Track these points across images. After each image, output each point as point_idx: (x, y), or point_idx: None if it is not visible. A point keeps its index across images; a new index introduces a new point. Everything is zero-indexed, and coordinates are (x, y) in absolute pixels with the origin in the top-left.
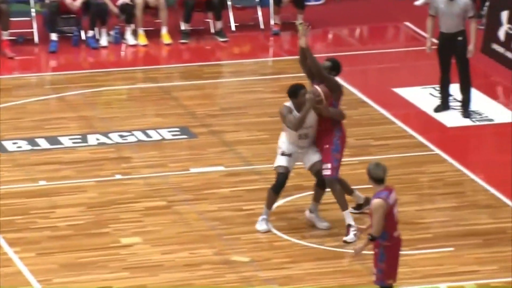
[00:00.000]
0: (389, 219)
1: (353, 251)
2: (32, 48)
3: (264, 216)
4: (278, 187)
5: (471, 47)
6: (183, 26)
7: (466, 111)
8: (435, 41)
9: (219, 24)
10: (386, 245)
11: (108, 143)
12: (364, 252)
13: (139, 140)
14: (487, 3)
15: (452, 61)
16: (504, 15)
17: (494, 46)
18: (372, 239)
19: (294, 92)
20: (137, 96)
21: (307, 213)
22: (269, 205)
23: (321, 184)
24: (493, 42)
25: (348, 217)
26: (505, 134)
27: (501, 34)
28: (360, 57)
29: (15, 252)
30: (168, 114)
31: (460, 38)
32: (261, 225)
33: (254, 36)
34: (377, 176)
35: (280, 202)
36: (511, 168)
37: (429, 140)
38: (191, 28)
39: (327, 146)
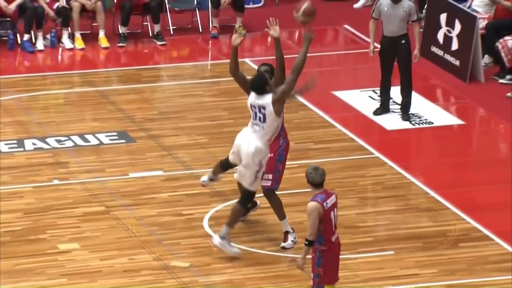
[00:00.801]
0: (326, 223)
1: (292, 255)
2: None
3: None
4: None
5: (416, 52)
6: (121, 30)
7: (406, 114)
8: (377, 44)
9: (157, 27)
10: (323, 249)
11: (45, 148)
12: (308, 256)
13: (76, 145)
14: (425, 6)
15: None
16: (443, 17)
17: (434, 48)
18: (309, 244)
19: (262, 88)
20: (74, 101)
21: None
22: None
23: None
24: (432, 45)
25: (286, 225)
26: (445, 137)
27: (440, 36)
28: None
29: None
30: (106, 119)
31: (403, 42)
32: (230, 248)
33: (192, 39)
34: (314, 180)
35: (218, 206)
36: (451, 171)
37: (370, 143)
38: (128, 31)
39: (271, 155)
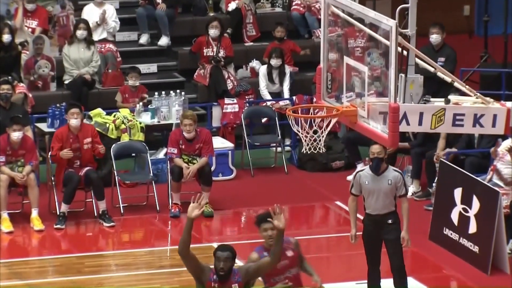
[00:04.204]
0: None
1: None
2: None
3: None
4: None
5: (404, 233)
6: (62, 208)
7: None
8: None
9: (102, 205)
10: None
11: None
12: None
13: None
14: (435, 179)
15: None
16: (457, 193)
17: (446, 231)
18: None
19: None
20: None
21: None
22: None
23: None
24: (445, 227)
25: None
26: None
27: (454, 216)
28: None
29: None
30: None
31: (390, 221)
32: None
33: (148, 219)
34: None
35: None
36: None
37: None
38: (68, 210)
39: None
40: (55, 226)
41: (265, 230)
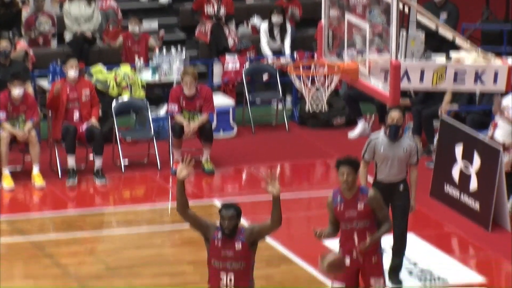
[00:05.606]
0: None
1: None
2: None
3: None
4: None
5: (413, 202)
6: (69, 161)
7: (395, 278)
8: None
9: (98, 162)
10: None
11: None
12: None
13: None
14: (436, 136)
15: None
16: (458, 150)
17: (448, 188)
18: None
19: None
20: (1, 254)
21: None
22: None
23: None
24: (446, 184)
25: None
26: None
27: (455, 173)
28: (283, 203)
29: None
30: (41, 276)
31: (401, 189)
32: None
33: (149, 176)
34: None
35: None
36: None
37: None
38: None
39: None
40: (67, 185)
41: (342, 174)
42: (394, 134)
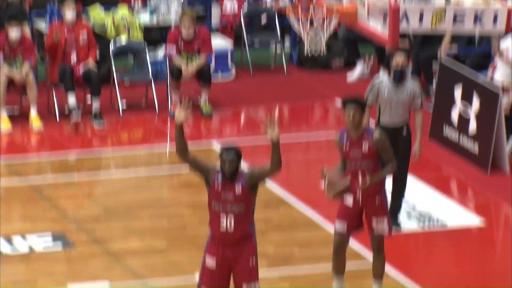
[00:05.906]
0: None
1: None
2: None
3: None
4: None
5: (417, 147)
6: (70, 100)
7: (394, 220)
8: None
9: (96, 103)
10: None
11: None
12: None
13: (1, 252)
14: (435, 78)
15: None
16: (457, 91)
17: (447, 131)
18: None
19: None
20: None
21: None
22: None
23: None
24: (445, 126)
25: None
26: (461, 241)
27: (454, 116)
28: (281, 145)
29: None
30: (39, 218)
31: (404, 134)
32: None
33: (147, 119)
34: None
35: None
36: (468, 282)
37: (368, 249)
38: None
39: None
40: (71, 122)
41: (348, 113)
42: (399, 78)
